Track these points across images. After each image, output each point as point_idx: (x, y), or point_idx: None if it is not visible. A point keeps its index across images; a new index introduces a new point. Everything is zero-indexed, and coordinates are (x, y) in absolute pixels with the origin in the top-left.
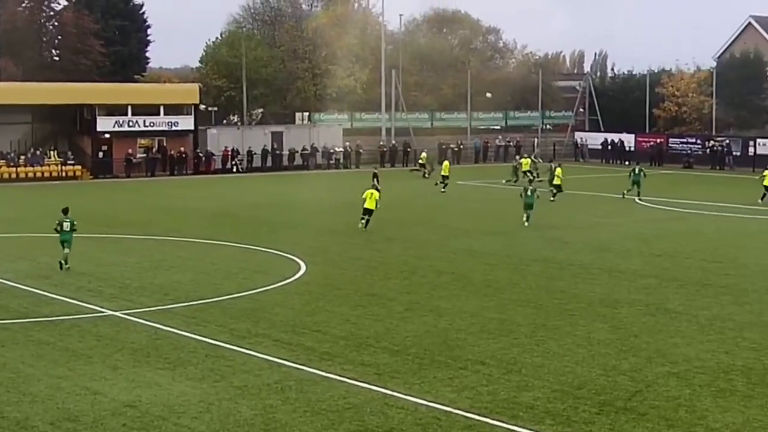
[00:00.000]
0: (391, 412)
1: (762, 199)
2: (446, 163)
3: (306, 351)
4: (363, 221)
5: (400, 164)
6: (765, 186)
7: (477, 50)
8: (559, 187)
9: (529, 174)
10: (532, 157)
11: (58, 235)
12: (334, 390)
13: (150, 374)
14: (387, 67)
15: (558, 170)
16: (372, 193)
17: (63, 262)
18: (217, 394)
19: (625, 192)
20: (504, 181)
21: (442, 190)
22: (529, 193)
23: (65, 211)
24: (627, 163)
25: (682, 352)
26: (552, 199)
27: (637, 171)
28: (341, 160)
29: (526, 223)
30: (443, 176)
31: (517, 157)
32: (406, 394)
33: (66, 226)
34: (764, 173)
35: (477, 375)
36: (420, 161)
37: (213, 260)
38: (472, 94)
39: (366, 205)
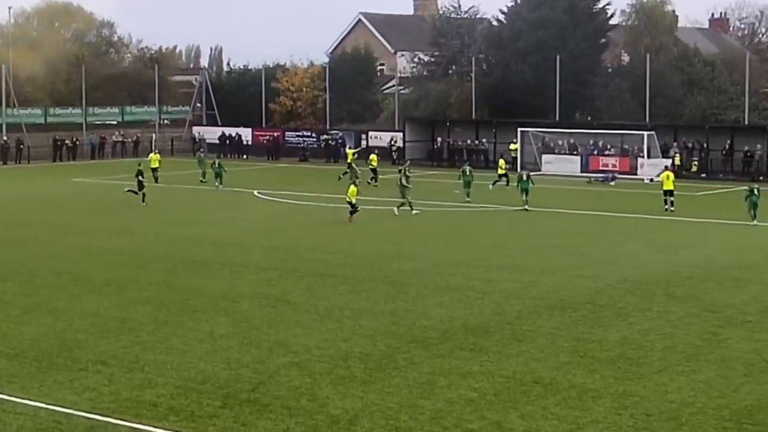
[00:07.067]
0: (9, 419)
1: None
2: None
3: None
4: None
5: (12, 162)
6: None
7: (91, 44)
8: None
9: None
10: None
11: None
12: None
13: None
14: None
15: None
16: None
17: None
18: None
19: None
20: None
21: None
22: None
23: None
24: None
25: (302, 342)
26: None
27: (524, 178)
28: None
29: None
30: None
31: (201, 152)
32: (24, 399)
33: None
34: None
35: (98, 375)
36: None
37: None
38: (86, 89)
39: None
